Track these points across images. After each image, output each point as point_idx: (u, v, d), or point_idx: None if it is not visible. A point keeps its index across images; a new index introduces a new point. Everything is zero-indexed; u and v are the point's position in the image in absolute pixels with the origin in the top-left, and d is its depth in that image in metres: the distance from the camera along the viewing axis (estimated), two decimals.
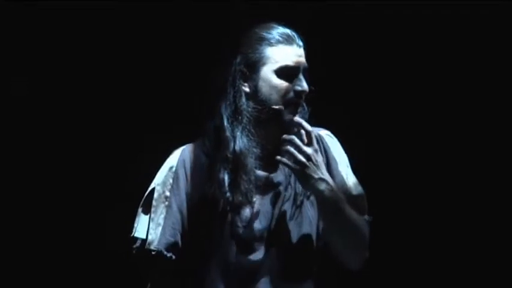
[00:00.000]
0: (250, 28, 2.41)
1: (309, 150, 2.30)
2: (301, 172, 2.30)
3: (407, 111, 3.52)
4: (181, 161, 2.40)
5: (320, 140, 2.46)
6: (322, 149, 2.44)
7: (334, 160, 2.46)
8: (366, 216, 2.44)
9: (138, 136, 3.44)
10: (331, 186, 2.31)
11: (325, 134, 2.50)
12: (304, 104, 2.40)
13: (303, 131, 2.32)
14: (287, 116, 2.35)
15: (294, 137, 2.31)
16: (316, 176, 2.29)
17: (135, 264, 2.39)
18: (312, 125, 2.42)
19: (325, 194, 2.30)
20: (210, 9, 3.38)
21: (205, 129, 2.42)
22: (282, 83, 2.35)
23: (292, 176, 2.38)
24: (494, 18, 3.41)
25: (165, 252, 2.34)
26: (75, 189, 3.47)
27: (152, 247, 2.35)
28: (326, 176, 2.31)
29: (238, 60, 2.38)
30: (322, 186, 2.29)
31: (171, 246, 2.34)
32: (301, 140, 2.32)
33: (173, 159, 2.42)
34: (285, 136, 2.31)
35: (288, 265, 2.34)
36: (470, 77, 3.49)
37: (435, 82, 3.49)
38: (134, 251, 2.39)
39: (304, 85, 2.35)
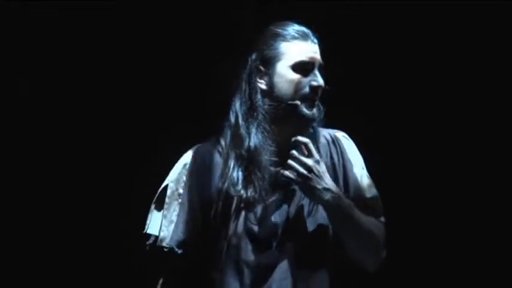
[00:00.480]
0: (265, 26, 2.43)
1: (309, 161, 2.30)
2: (304, 184, 2.30)
3: (423, 111, 3.50)
4: (195, 158, 2.40)
5: (336, 141, 2.47)
6: (338, 150, 2.46)
7: (350, 162, 2.46)
8: (382, 218, 2.44)
9: (151, 135, 3.44)
10: (336, 194, 2.31)
11: (341, 135, 2.50)
12: (320, 104, 2.41)
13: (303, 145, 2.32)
14: (303, 111, 2.35)
15: (293, 151, 2.31)
16: (319, 187, 2.30)
17: (147, 261, 2.39)
18: (328, 126, 2.46)
19: (331, 203, 2.30)
20: (221, 10, 3.39)
21: (219, 127, 2.42)
22: (298, 78, 2.35)
23: None
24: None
25: (177, 249, 2.34)
26: (88, 188, 3.47)
27: (164, 244, 2.35)
28: (330, 185, 2.31)
29: (253, 57, 2.40)
30: (327, 196, 2.30)
31: (183, 243, 2.34)
32: (303, 153, 2.32)
33: (187, 157, 2.43)
34: (292, 152, 2.31)
35: (302, 262, 2.33)
36: (488, 80, 3.46)
37: (451, 83, 3.47)
38: (147, 248, 2.39)
39: (320, 80, 2.36)
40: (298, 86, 2.35)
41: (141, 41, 3.41)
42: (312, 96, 2.35)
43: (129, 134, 3.44)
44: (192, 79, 3.40)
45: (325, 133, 2.47)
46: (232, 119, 2.39)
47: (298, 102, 2.35)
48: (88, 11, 3.38)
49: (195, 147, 2.44)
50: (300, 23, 2.42)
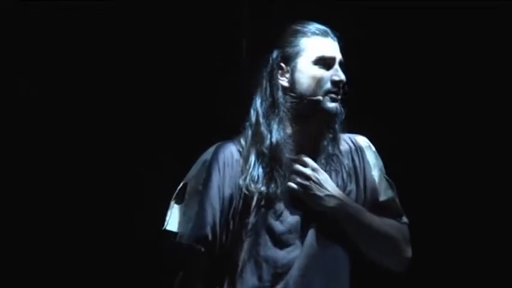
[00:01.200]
0: (285, 24, 2.45)
1: (307, 171, 2.34)
2: (305, 193, 2.33)
3: (444, 115, 3.50)
4: (215, 156, 2.41)
5: (357, 145, 2.48)
6: (359, 154, 2.46)
7: (368, 164, 2.46)
8: (403, 219, 2.44)
9: (172, 135, 3.45)
10: (341, 200, 2.33)
11: (361, 139, 2.51)
12: (341, 104, 2.41)
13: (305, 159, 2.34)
14: (326, 105, 2.36)
15: (295, 164, 2.34)
16: (321, 194, 2.32)
17: (167, 257, 2.41)
18: (349, 131, 2.47)
19: (336, 209, 2.33)
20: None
21: (241, 126, 2.44)
22: (320, 73, 2.37)
23: (332, 170, 2.39)
24: None
25: (196, 245, 2.34)
26: (88, 188, 3.47)
27: (183, 240, 2.35)
28: (333, 191, 2.34)
29: (274, 55, 2.42)
30: (331, 203, 2.33)
31: (202, 240, 2.34)
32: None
33: (207, 154, 2.43)
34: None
35: (321, 259, 2.33)
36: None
37: (473, 88, 3.48)
38: (166, 244, 2.40)
39: (341, 75, 2.37)
40: (319, 80, 2.36)
41: (142, 40, 3.42)
42: (334, 90, 2.36)
43: (134, 134, 3.46)
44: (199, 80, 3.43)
45: (346, 138, 2.48)
46: (253, 117, 2.40)
47: (320, 97, 2.36)
48: (90, 11, 3.39)
49: (215, 145, 2.45)
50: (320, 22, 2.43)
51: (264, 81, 2.41)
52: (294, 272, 2.31)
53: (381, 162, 2.49)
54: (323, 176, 2.34)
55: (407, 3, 3.40)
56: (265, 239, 2.32)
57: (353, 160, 2.45)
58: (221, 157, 2.39)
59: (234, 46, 3.30)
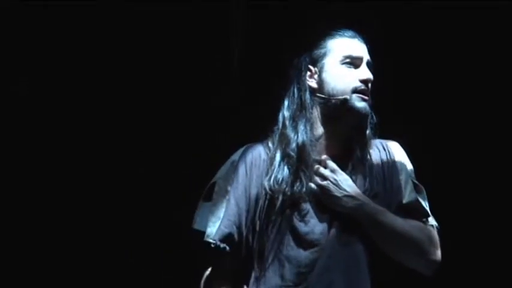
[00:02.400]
0: (313, 27, 2.54)
1: (325, 172, 2.35)
2: (323, 194, 2.35)
3: (475, 117, 3.47)
4: (244, 157, 2.45)
5: (387, 149, 2.49)
6: (389, 158, 2.47)
7: (396, 169, 2.46)
8: (430, 220, 2.43)
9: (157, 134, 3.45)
10: (360, 200, 2.34)
11: (392, 144, 2.52)
12: (373, 115, 2.43)
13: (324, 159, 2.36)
14: (354, 104, 2.38)
15: (316, 165, 2.36)
16: (339, 194, 2.34)
17: (195, 255, 2.44)
18: (380, 137, 2.49)
19: (355, 210, 2.34)
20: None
21: (270, 128, 2.47)
22: (347, 72, 2.40)
23: (360, 173, 2.40)
24: None
25: (222, 244, 2.37)
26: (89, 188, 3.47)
27: (210, 239, 2.39)
28: (352, 192, 2.35)
29: (302, 57, 2.46)
30: (350, 203, 2.34)
31: (226, 238, 2.38)
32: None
33: (236, 155, 2.48)
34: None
35: (344, 261, 2.34)
36: None
37: (503, 89, 3.44)
38: (194, 242, 2.42)
39: (369, 73, 2.39)
40: (347, 80, 2.39)
41: (142, 41, 3.42)
42: (362, 89, 2.38)
43: (133, 134, 3.45)
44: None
45: (377, 143, 2.50)
46: (280, 120, 2.44)
47: (347, 96, 2.37)
48: (90, 12, 3.39)
49: (244, 147, 2.49)
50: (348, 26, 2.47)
51: (292, 84, 2.44)
52: (316, 272, 2.32)
53: (410, 167, 2.49)
54: (342, 177, 2.35)
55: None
56: (289, 239, 2.35)
57: (382, 165, 2.46)
58: (249, 158, 2.44)
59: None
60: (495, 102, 3.42)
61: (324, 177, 2.34)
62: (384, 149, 2.48)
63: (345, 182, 2.34)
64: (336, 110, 2.39)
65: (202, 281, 2.42)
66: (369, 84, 2.39)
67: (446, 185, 3.03)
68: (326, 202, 2.35)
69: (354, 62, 2.40)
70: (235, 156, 2.47)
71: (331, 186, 2.33)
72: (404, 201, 2.42)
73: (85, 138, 3.44)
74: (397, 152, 2.49)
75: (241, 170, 2.42)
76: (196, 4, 3.35)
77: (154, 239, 3.33)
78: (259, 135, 2.48)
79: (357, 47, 2.42)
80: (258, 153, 2.44)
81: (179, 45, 3.40)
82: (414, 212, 2.43)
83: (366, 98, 2.38)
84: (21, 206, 3.41)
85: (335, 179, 2.34)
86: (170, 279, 3.29)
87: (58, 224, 3.41)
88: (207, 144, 3.21)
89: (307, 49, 2.44)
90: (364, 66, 2.40)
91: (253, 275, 2.37)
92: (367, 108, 2.39)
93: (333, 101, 2.39)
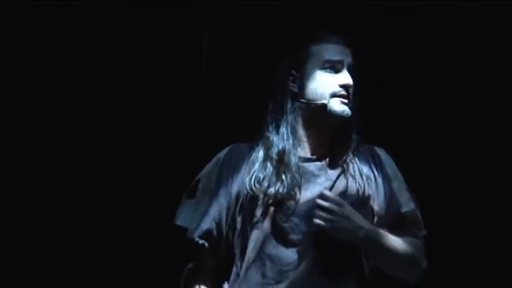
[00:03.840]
0: (297, 31, 2.55)
1: (332, 206, 2.32)
2: (331, 228, 2.32)
3: (461, 120, 3.44)
4: (229, 156, 2.48)
5: (375, 155, 2.50)
6: (378, 164, 2.48)
7: (388, 176, 2.47)
8: (422, 232, 2.45)
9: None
10: (369, 229, 2.34)
11: (379, 150, 2.53)
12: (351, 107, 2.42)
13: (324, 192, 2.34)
14: (332, 109, 2.39)
15: (318, 199, 2.33)
16: (350, 227, 2.32)
17: (176, 252, 2.47)
18: (366, 141, 2.50)
19: (366, 240, 2.33)
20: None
21: (256, 130, 2.49)
22: (326, 77, 2.41)
23: (349, 175, 2.40)
24: None
25: (204, 242, 2.40)
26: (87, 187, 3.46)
27: (192, 236, 2.41)
28: (361, 222, 2.33)
29: (285, 62, 2.47)
30: (361, 234, 2.32)
31: (205, 235, 2.40)
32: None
33: (222, 154, 2.50)
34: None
35: (328, 260, 2.34)
36: None
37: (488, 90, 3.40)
38: (176, 239, 2.45)
39: (348, 79, 2.40)
40: (326, 84, 2.40)
41: (130, 42, 3.42)
42: (341, 94, 2.39)
43: (133, 134, 3.45)
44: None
45: (364, 148, 2.50)
46: (265, 123, 2.46)
47: (325, 101, 2.39)
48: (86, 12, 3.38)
49: (231, 146, 2.51)
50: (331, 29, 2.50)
51: (276, 89, 2.46)
52: (299, 271, 2.32)
53: (400, 174, 2.50)
54: (348, 209, 2.32)
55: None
56: (271, 237, 2.35)
57: (372, 170, 2.46)
58: (233, 157, 2.46)
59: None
60: (479, 102, 3.40)
61: (329, 211, 2.31)
62: (373, 155, 2.49)
63: (353, 214, 2.32)
64: (316, 115, 2.41)
65: (183, 278, 2.44)
66: (350, 89, 2.40)
67: (428, 189, 3.00)
68: (335, 235, 2.32)
69: (334, 67, 2.41)
70: (220, 155, 2.49)
71: (340, 220, 2.30)
72: (402, 211, 2.43)
73: (82, 138, 3.45)
74: (386, 158, 2.51)
75: (225, 168, 2.44)
76: None
77: (154, 239, 3.34)
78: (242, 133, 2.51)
79: (339, 51, 2.42)
80: (243, 153, 2.47)
81: (152, 39, 3.41)
82: (411, 221, 2.44)
83: (345, 101, 2.39)
84: (18, 205, 3.41)
85: (343, 212, 2.31)
86: (170, 279, 3.29)
87: (57, 224, 3.42)
88: (207, 145, 3.20)
89: (290, 53, 2.46)
90: (345, 71, 2.41)
91: (234, 272, 2.38)
92: (347, 111, 2.39)
93: (313, 105, 2.40)
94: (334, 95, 2.39)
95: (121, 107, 3.43)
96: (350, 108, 2.40)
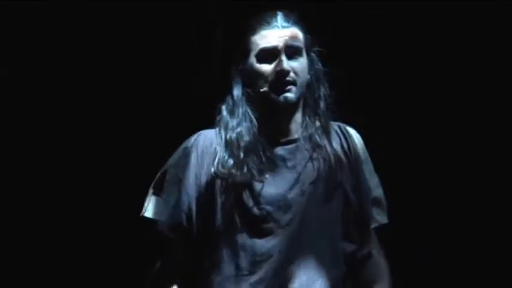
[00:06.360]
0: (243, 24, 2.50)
1: None
2: None
3: (422, 110, 3.41)
4: (195, 144, 2.44)
5: (347, 134, 2.50)
6: (350, 144, 2.48)
7: (360, 158, 2.48)
8: (385, 218, 2.48)
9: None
10: None
11: (352, 130, 2.52)
12: (323, 104, 2.45)
13: None
14: (272, 97, 2.38)
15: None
16: None
17: (145, 244, 2.45)
18: (337, 120, 2.50)
19: None
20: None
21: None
22: (262, 67, 2.40)
23: (321, 157, 2.40)
24: None
25: (173, 233, 2.38)
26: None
27: (161, 227, 2.39)
28: None
29: (235, 55, 2.47)
30: None
31: (176, 227, 2.38)
32: None
33: (187, 143, 2.47)
34: None
35: (303, 249, 2.34)
36: (490, 79, 3.37)
37: (451, 82, 3.38)
38: (145, 231, 2.43)
39: (283, 64, 2.37)
40: (263, 74, 2.39)
41: (123, 39, 3.39)
42: (278, 81, 2.38)
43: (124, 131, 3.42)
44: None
45: (335, 126, 2.50)
46: (222, 110, 2.45)
47: (266, 90, 2.38)
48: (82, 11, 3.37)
49: (197, 133, 2.48)
50: (275, 8, 2.46)
51: (230, 79, 2.46)
52: (273, 261, 2.31)
53: (368, 157, 2.51)
54: None
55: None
56: (244, 227, 2.33)
57: (344, 150, 2.46)
58: (200, 145, 2.43)
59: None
60: (450, 97, 3.40)
61: None
62: (343, 133, 2.49)
63: None
64: (263, 104, 2.40)
65: (153, 271, 2.42)
66: (290, 73, 2.37)
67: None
68: None
69: (269, 54, 2.39)
70: (187, 143, 2.46)
71: None
72: (372, 196, 2.46)
73: (82, 138, 3.41)
74: (358, 139, 2.50)
75: (193, 157, 2.42)
76: None
77: (154, 239, 3.31)
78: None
79: (273, 37, 2.40)
80: (210, 140, 2.44)
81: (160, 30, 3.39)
82: (379, 206, 2.47)
83: (285, 88, 2.37)
84: (17, 206, 3.40)
85: None
86: (138, 274, 3.18)
87: (55, 224, 3.40)
88: None
89: (238, 44, 2.46)
90: (282, 57, 2.38)
91: (207, 263, 2.36)
92: (288, 97, 2.37)
93: (256, 96, 2.41)
94: (272, 85, 2.37)
95: (130, 104, 3.41)
96: (295, 90, 2.38)
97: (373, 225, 2.47)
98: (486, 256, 3.35)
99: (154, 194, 2.45)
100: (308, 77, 2.44)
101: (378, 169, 2.53)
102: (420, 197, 3.36)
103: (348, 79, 2.57)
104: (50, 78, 3.39)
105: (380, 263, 2.47)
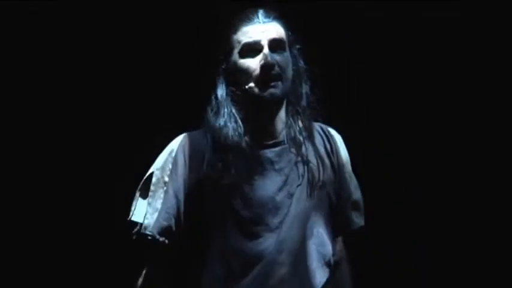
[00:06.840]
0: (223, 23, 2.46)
1: None
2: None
3: (408, 112, 3.42)
4: (182, 146, 2.39)
5: (329, 135, 2.48)
6: (333, 145, 2.46)
7: (342, 160, 2.47)
8: (362, 220, 2.49)
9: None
10: None
11: (334, 132, 2.51)
12: (305, 102, 2.42)
13: None
14: (255, 93, 2.33)
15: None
16: None
17: (133, 249, 2.40)
18: (317, 121, 2.47)
19: None
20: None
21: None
22: (246, 62, 2.34)
23: (305, 158, 2.38)
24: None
25: (158, 237, 2.33)
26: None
27: (148, 231, 2.34)
28: None
29: (218, 54, 2.42)
30: None
31: (165, 231, 2.34)
32: None
33: (174, 145, 2.41)
34: None
35: (294, 253, 2.32)
36: (477, 78, 3.39)
37: (436, 83, 3.40)
38: (132, 235, 2.39)
39: (267, 58, 2.32)
40: (249, 69, 2.33)
41: (121, 36, 3.35)
42: (263, 76, 2.32)
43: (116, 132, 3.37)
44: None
45: (318, 127, 2.47)
46: (207, 111, 2.40)
47: (251, 85, 2.33)
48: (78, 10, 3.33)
49: (182, 136, 2.43)
50: (255, 5, 2.42)
51: (215, 79, 2.40)
52: (264, 263, 2.28)
53: (348, 158, 2.50)
54: None
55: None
56: (235, 229, 2.30)
57: (326, 152, 2.44)
58: (187, 148, 2.38)
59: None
60: (450, 97, 3.40)
61: None
62: (326, 134, 2.47)
63: None
64: (248, 102, 2.35)
65: (142, 274, 2.36)
66: (275, 67, 2.32)
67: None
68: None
69: (252, 49, 2.34)
70: (173, 146, 2.40)
71: None
72: (355, 197, 2.46)
73: (81, 138, 3.37)
74: (340, 141, 2.49)
75: (180, 160, 2.36)
76: None
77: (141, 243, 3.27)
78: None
79: (255, 32, 2.35)
80: (196, 142, 2.38)
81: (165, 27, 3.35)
82: (357, 209, 2.47)
83: (271, 83, 2.31)
84: (16, 206, 3.35)
85: None
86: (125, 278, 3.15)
87: (54, 224, 3.35)
88: None
89: (221, 43, 2.40)
90: (265, 51, 2.33)
91: (195, 267, 2.32)
92: (274, 92, 2.32)
93: (239, 93, 2.35)
94: (257, 80, 2.32)
95: (130, 104, 3.37)
96: (281, 86, 2.33)
97: (353, 228, 2.48)
98: (486, 256, 3.36)
99: (141, 198, 2.40)
100: (292, 73, 2.40)
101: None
102: (420, 197, 3.36)
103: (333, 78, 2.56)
104: (50, 78, 3.36)
105: (346, 268, 2.49)
